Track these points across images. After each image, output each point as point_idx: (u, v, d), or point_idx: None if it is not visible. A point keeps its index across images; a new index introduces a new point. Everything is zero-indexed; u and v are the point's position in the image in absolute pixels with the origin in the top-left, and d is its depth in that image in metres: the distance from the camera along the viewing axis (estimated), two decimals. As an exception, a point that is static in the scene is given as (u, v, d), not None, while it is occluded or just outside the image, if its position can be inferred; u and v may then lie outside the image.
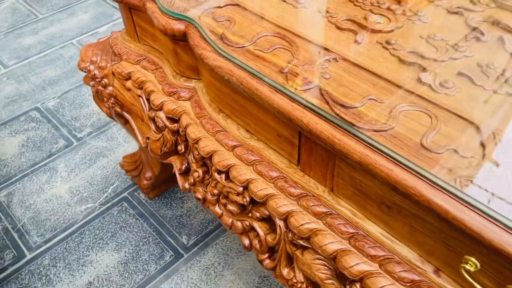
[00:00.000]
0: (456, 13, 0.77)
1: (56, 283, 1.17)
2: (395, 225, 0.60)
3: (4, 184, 1.42)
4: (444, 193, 0.51)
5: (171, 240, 1.26)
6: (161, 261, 1.21)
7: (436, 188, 0.51)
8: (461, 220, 0.49)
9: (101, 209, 1.34)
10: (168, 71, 0.90)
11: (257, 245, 0.78)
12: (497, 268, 0.51)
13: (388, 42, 0.71)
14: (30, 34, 2.09)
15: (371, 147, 0.56)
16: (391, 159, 0.54)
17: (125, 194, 1.39)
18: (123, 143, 1.54)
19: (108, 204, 1.36)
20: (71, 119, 1.64)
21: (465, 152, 0.54)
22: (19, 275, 1.19)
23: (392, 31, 0.74)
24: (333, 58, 0.69)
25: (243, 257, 1.20)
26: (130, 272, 1.19)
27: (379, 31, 0.74)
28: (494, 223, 0.48)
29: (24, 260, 1.22)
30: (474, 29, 0.73)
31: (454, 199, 0.50)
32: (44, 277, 1.19)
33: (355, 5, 0.80)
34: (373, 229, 0.63)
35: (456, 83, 0.64)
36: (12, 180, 1.44)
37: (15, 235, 1.28)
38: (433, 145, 0.55)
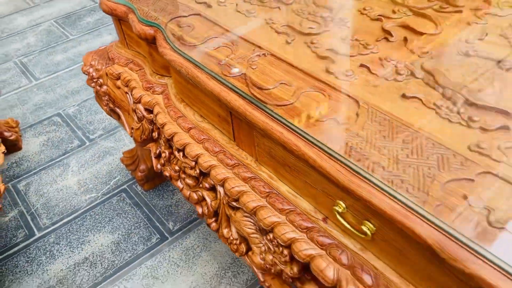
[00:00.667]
0: (377, 19, 0.91)
1: (58, 257, 1.35)
2: (296, 183, 0.74)
3: (24, 176, 1.64)
4: (316, 148, 0.64)
5: (159, 225, 1.42)
6: (148, 243, 1.37)
7: (312, 145, 0.65)
8: (325, 168, 0.62)
9: (103, 199, 1.53)
10: (148, 71, 1.09)
11: (206, 211, 0.93)
12: (357, 209, 0.63)
13: (312, 42, 0.87)
14: (61, 52, 2.37)
15: (271, 117, 0.71)
16: (283, 125, 0.69)
17: (125, 186, 1.57)
18: (128, 144, 1.73)
19: (109, 194, 1.54)
20: (87, 123, 1.86)
21: (342, 120, 0.68)
22: (28, 250, 1.38)
23: (319, 33, 0.89)
24: (263, 54, 0.85)
25: (220, 242, 1.34)
26: (121, 250, 1.35)
27: (308, 34, 0.89)
28: (350, 171, 0.61)
29: (33, 238, 1.42)
30: (386, 31, 0.87)
31: (323, 153, 0.64)
32: (48, 252, 1.37)
33: (296, 14, 0.96)
34: (283, 188, 0.77)
35: (356, 72, 0.78)
36: (31, 173, 1.65)
37: (28, 218, 1.48)
38: (319, 115, 0.70)
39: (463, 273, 0.50)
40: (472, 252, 0.50)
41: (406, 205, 0.55)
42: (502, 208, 0.53)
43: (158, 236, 1.39)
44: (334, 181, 0.62)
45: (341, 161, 0.62)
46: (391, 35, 0.86)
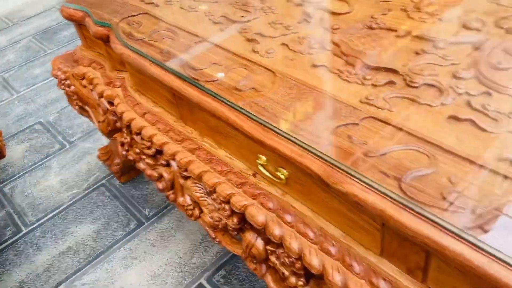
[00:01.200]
0: (300, 4, 1.04)
1: (44, 249, 1.47)
2: (230, 146, 0.87)
3: (9, 180, 1.76)
4: (237, 112, 0.77)
5: (136, 213, 1.54)
6: (127, 228, 1.49)
7: (234, 110, 0.78)
8: (244, 127, 0.75)
9: (84, 194, 1.65)
10: (107, 68, 1.21)
11: (164, 185, 1.05)
12: (273, 159, 0.76)
13: (242, 28, 0.99)
14: (39, 65, 2.48)
15: (203, 91, 0.83)
16: (213, 97, 0.81)
17: (103, 181, 1.69)
18: (105, 143, 1.85)
19: (89, 189, 1.66)
20: (66, 128, 1.98)
21: (260, 88, 0.81)
22: (16, 245, 1.50)
23: (249, 21, 1.02)
24: (199, 41, 0.97)
25: (192, 222, 1.46)
26: (102, 238, 1.47)
27: (240, 21, 1.02)
28: (262, 127, 0.73)
29: (20, 234, 1.53)
30: (306, 14, 1.00)
31: (242, 115, 0.76)
32: (35, 245, 1.48)
33: (231, 5, 1.09)
34: (221, 153, 0.90)
35: (277, 50, 0.90)
36: (15, 177, 1.77)
37: (15, 217, 1.60)
38: (243, 86, 0.82)
39: (342, 193, 0.62)
40: (348, 175, 0.62)
41: (302, 147, 0.68)
42: (375, 141, 0.66)
43: (136, 222, 1.50)
44: (252, 138, 0.74)
45: (256, 120, 0.75)
46: (310, 17, 0.99)
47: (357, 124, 0.70)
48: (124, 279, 1.34)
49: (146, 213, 1.53)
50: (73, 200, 1.63)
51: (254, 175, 0.84)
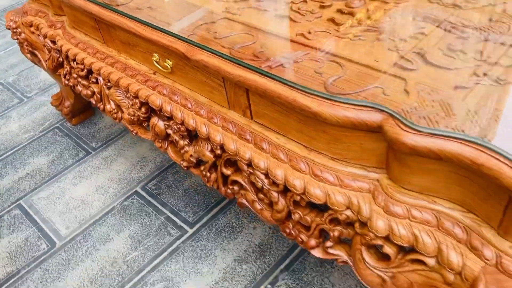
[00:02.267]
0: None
1: (5, 176, 1.73)
2: (135, 53, 1.16)
3: (-26, 128, 2.00)
4: (132, 20, 1.06)
5: (84, 145, 1.81)
6: (76, 157, 1.76)
7: (134, 21, 1.07)
8: (137, 30, 1.04)
9: (39, 135, 1.91)
10: (50, 14, 1.48)
11: (96, 99, 1.33)
12: (162, 54, 1.05)
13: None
14: (0, 38, 2.71)
15: (114, 12, 1.12)
16: (120, 15, 1.10)
17: (57, 125, 1.95)
18: (59, 96, 2.11)
19: (45, 132, 1.92)
20: (24, 86, 2.23)
21: (155, 7, 1.10)
22: (-19, 176, 1.75)
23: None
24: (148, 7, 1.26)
25: (134, 147, 1.75)
26: (55, 165, 1.74)
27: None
28: (151, 28, 1.03)
29: (-16, 168, 1.79)
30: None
31: (136, 22, 1.05)
32: (-3, 175, 1.75)
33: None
34: (132, 61, 1.19)
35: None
36: (-21, 126, 2.02)
37: (-20, 156, 1.85)
38: (141, 6, 1.11)
39: (197, 61, 0.92)
40: (200, 49, 0.92)
41: (175, 37, 0.98)
42: (222, 30, 0.96)
43: (84, 152, 1.78)
44: (145, 38, 1.04)
45: (146, 23, 1.04)
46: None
47: (214, 22, 1.00)
48: (73, 192, 1.62)
49: (93, 145, 1.81)
50: (30, 140, 1.89)
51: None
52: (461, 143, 0.62)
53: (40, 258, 1.41)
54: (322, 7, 0.99)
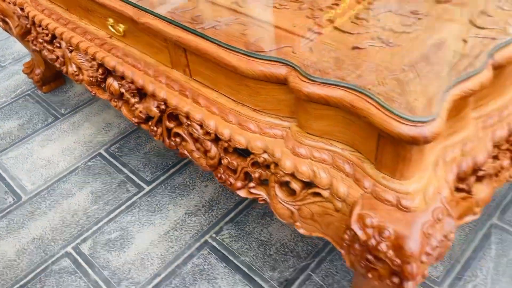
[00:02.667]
0: None
1: (-24, 138, 1.82)
2: (91, 18, 1.26)
3: None
4: (92, -11, 1.17)
5: (54, 112, 1.91)
6: (45, 122, 1.86)
7: (91, -11, 1.17)
8: (95, -3, 1.15)
9: (11, 102, 2.00)
10: (19, -18, 1.57)
11: (60, 62, 1.43)
12: (115, 19, 1.16)
13: None
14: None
15: (73, -20, 1.22)
16: None
17: (29, 92, 2.04)
18: (32, 65, 2.19)
19: (16, 98, 2.01)
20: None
21: (111, -24, 1.20)
22: (-47, 137, 1.84)
23: None
24: (79, -47, 1.35)
25: (101, 114, 1.85)
26: (24, 129, 1.84)
27: None
28: (108, -3, 1.13)
29: (-43, 130, 1.88)
30: None
31: (96, -9, 1.16)
32: (-31, 136, 1.84)
33: None
34: (91, 27, 1.29)
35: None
36: (-47, 92, 2.09)
37: (-48, 119, 1.94)
38: (100, -24, 1.21)
39: (143, 24, 1.03)
40: (146, 12, 1.03)
41: (124, 2, 1.08)
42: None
43: (53, 117, 1.88)
44: (100, 3, 1.14)
45: (103, -8, 1.15)
46: None
47: (162, -10, 1.11)
48: (40, 153, 1.72)
49: (62, 111, 1.91)
50: (2, 106, 1.98)
51: (110, 37, 1.24)
52: (343, 90, 0.75)
53: (6, 210, 1.52)
54: (259, -20, 1.11)
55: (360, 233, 0.75)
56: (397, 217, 0.74)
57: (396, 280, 0.75)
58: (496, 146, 0.88)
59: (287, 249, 1.29)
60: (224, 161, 1.00)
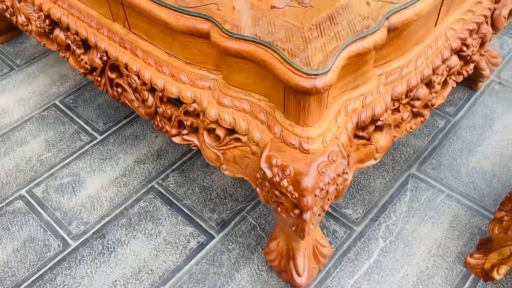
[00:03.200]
0: None
1: None
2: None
3: None
4: None
5: (9, 62, 1.93)
6: (1, 73, 1.89)
7: None
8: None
9: (-34, 51, 2.01)
10: None
11: (9, 12, 1.46)
12: (60, -29, 1.20)
13: None
14: None
15: None
16: None
17: (-17, 42, 2.05)
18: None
19: (-29, 48, 2.02)
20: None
21: None
22: None
23: None
24: None
25: (56, 66, 1.89)
26: (-21, 79, 1.87)
27: None
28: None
29: None
30: None
31: None
32: None
33: None
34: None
35: None
36: None
37: None
38: None
39: None
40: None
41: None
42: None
43: (8, 68, 1.91)
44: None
45: None
46: None
47: None
48: (-5, 102, 1.77)
49: (18, 62, 1.94)
50: (-44, 55, 1.99)
51: None
52: (255, 45, 0.84)
53: (-39, 156, 1.58)
54: None
55: (267, 172, 0.87)
56: (298, 158, 0.85)
57: (297, 211, 0.88)
58: (397, 100, 1.00)
59: (226, 193, 1.41)
60: (160, 110, 1.09)
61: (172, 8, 0.94)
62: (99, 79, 1.23)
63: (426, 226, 1.29)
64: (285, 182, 0.84)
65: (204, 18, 0.91)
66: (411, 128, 1.06)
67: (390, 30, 0.88)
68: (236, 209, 1.37)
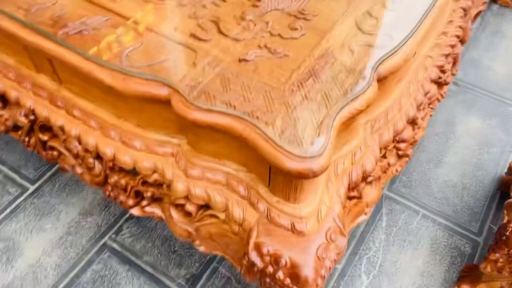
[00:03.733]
0: None
1: None
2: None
3: None
4: None
5: None
6: None
7: None
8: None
9: None
10: None
11: None
12: None
13: None
14: None
15: None
16: None
17: None
18: None
19: None
20: None
21: None
22: None
23: None
24: None
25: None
26: None
27: None
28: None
29: None
30: None
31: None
32: None
33: None
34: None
35: None
36: None
37: None
38: None
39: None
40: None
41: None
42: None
43: None
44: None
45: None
46: None
47: None
48: None
49: None
50: None
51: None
52: (231, 118, 0.69)
53: None
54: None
55: (257, 261, 0.74)
56: (292, 243, 0.73)
57: (296, 299, 0.77)
58: (384, 148, 0.90)
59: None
60: (111, 180, 0.91)
61: (117, 70, 0.76)
62: (26, 139, 1.01)
63: (407, 254, 1.24)
64: (280, 274, 0.72)
65: (160, 82, 0.74)
66: (397, 171, 0.97)
67: (379, 80, 0.77)
68: (205, 259, 1.24)
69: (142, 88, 0.74)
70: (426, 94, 0.96)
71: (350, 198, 0.85)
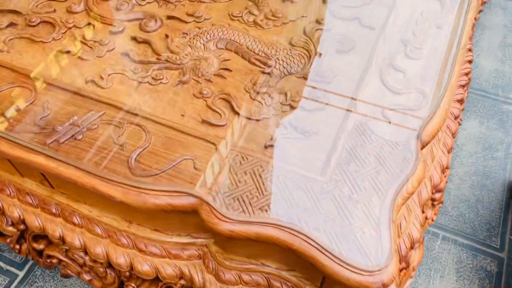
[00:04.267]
0: None
1: None
2: None
3: None
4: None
5: None
6: None
7: None
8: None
9: None
10: None
11: None
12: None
13: None
14: None
15: None
16: None
17: None
18: None
19: None
20: None
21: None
22: None
23: None
24: None
25: None
26: None
27: None
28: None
29: None
30: None
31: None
32: None
33: None
34: None
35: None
36: None
37: None
38: None
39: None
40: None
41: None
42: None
43: None
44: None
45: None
46: None
47: (-28, 70, 0.77)
48: None
49: None
50: None
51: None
52: (276, 228, 0.60)
53: None
54: (112, 33, 0.83)
55: None
56: None
57: None
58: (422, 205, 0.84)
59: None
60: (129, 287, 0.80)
61: (128, 184, 0.64)
62: (17, 246, 0.88)
63: (435, 284, 1.20)
64: None
65: (183, 192, 0.63)
66: (432, 220, 0.91)
67: (421, 148, 0.70)
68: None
69: (161, 202, 0.63)
70: (453, 134, 0.90)
71: (400, 270, 0.78)
